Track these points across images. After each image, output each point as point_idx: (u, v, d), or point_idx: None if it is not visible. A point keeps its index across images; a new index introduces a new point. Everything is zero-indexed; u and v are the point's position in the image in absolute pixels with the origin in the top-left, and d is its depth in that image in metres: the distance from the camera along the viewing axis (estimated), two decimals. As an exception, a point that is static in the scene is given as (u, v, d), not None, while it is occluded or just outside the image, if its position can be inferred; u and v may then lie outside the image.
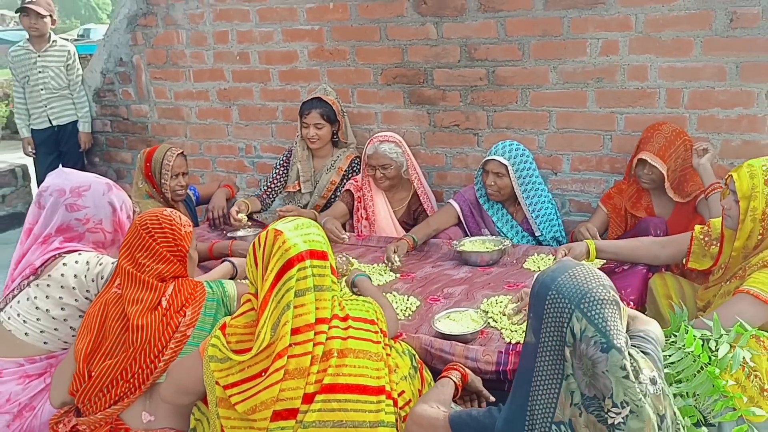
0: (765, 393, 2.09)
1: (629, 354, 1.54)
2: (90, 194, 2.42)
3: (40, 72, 4.71)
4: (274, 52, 4.14)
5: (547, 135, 3.57)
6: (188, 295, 2.12)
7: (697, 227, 2.58)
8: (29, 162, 5.21)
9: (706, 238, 2.54)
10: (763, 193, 2.24)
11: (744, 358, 1.97)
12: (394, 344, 2.16)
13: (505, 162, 3.20)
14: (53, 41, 4.76)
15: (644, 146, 3.13)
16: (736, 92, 3.14)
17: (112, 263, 2.33)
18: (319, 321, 1.79)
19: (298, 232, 1.81)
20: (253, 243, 1.82)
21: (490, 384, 2.16)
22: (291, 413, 1.73)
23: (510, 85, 3.57)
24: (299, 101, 4.07)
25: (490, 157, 3.24)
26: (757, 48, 3.05)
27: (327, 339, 1.78)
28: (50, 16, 4.72)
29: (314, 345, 1.76)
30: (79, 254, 2.35)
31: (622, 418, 1.44)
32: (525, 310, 2.31)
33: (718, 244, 2.48)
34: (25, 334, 2.27)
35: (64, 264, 2.31)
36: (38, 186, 4.87)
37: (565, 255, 2.65)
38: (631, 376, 1.44)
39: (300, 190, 3.82)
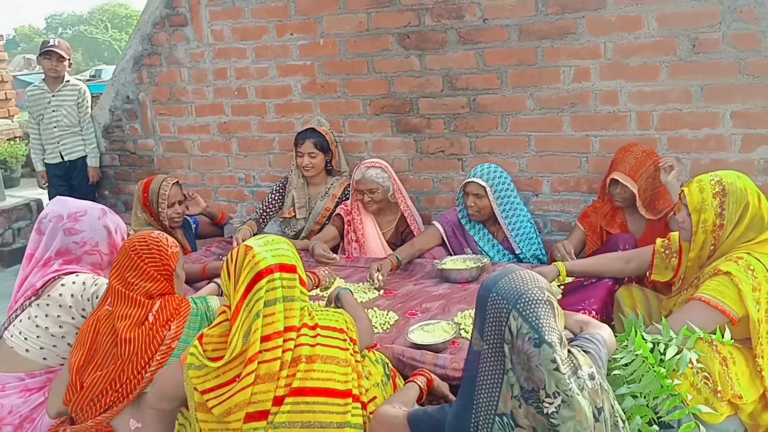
0: (719, 395, 2.21)
1: (568, 351, 1.68)
2: (86, 219, 2.62)
3: (53, 111, 4.99)
4: (269, 86, 4.37)
5: (527, 158, 3.73)
6: (173, 310, 2.29)
7: (659, 241, 2.72)
8: (44, 197, 5.46)
9: (667, 251, 2.67)
10: (712, 205, 2.38)
11: (691, 359, 2.09)
12: (368, 353, 2.30)
13: (484, 183, 3.36)
14: (66, 81, 5.05)
15: (616, 167, 3.27)
16: (702, 113, 3.29)
17: (107, 283, 2.50)
18: (288, 329, 1.92)
19: (267, 247, 1.97)
20: (226, 258, 1.98)
21: (457, 391, 2.28)
22: (262, 415, 1.86)
23: (490, 112, 3.75)
24: (294, 132, 4.27)
25: (469, 179, 3.41)
26: (719, 71, 3.20)
27: (295, 346, 1.92)
28: (68, 59, 5.02)
29: (283, 351, 1.89)
30: (77, 275, 2.54)
31: (555, 407, 1.56)
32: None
33: (677, 256, 2.62)
34: (26, 350, 2.45)
35: (62, 285, 2.49)
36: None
37: None
38: (561, 368, 1.57)
39: (295, 215, 4.00)
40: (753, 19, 3.09)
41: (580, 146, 3.60)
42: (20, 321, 2.48)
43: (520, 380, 1.62)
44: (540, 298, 1.65)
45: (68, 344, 2.47)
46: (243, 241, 3.53)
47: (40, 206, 5.78)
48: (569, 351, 1.69)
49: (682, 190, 2.49)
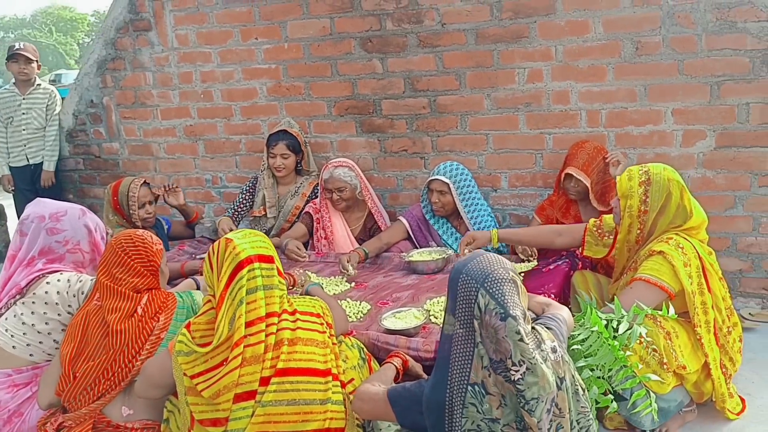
0: (665, 366, 2.44)
1: (533, 327, 1.87)
2: (67, 218, 2.71)
3: (24, 114, 5.00)
4: (235, 89, 4.48)
5: (485, 156, 3.94)
6: (161, 303, 2.41)
7: (591, 220, 3.00)
8: (6, 203, 5.44)
9: (599, 230, 2.94)
10: (637, 192, 2.65)
11: (640, 333, 2.31)
12: (345, 339, 2.46)
13: (447, 180, 3.55)
14: (37, 84, 5.07)
15: (570, 162, 3.50)
16: (646, 111, 3.53)
17: (91, 280, 2.60)
18: (270, 315, 2.06)
19: (246, 239, 2.11)
20: (208, 251, 2.11)
21: (430, 370, 2.44)
22: (250, 395, 2.00)
23: (450, 112, 3.95)
24: (260, 134, 4.42)
25: (433, 177, 3.59)
26: (660, 72, 3.45)
27: (278, 330, 2.06)
28: (36, 61, 5.03)
29: (266, 335, 2.03)
30: (61, 274, 2.63)
31: (521, 374, 1.75)
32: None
33: (612, 236, 2.88)
34: (13, 347, 2.53)
35: (47, 283, 2.58)
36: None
37: (470, 243, 3.11)
38: (525, 339, 1.75)
39: (266, 214, 4.12)
40: (690, 23, 3.35)
41: (535, 143, 3.82)
42: (6, 319, 2.56)
43: (489, 352, 1.80)
44: (505, 277, 1.83)
45: (54, 340, 2.56)
46: (227, 229, 3.71)
47: (1, 212, 5.73)
48: (533, 327, 1.88)
49: (617, 178, 2.75)
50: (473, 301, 1.82)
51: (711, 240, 3.43)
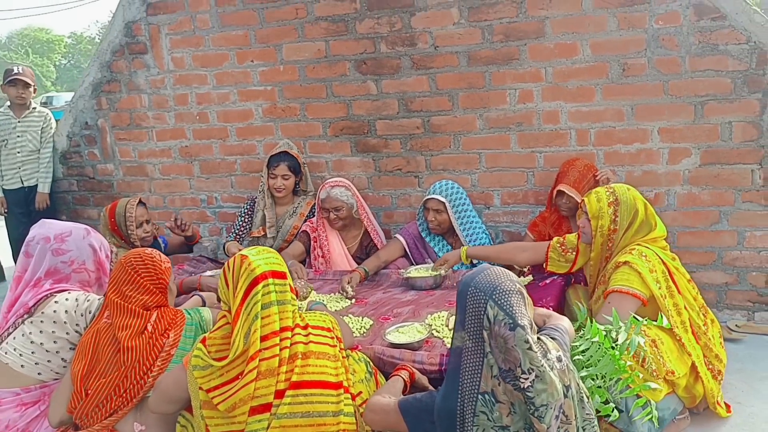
0: (655, 373, 2.53)
1: (539, 338, 1.95)
2: (72, 239, 2.75)
3: (19, 136, 5.03)
4: (231, 111, 4.55)
5: (478, 174, 4.04)
6: (170, 320, 2.46)
7: (555, 239, 3.15)
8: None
9: (562, 247, 3.10)
10: (607, 213, 2.81)
11: (639, 343, 2.40)
12: (351, 353, 2.52)
13: (443, 199, 3.64)
14: (33, 108, 5.11)
15: (562, 179, 3.61)
16: (633, 130, 3.66)
17: (98, 299, 2.64)
18: (283, 329, 2.12)
19: (260, 256, 2.17)
20: (224, 268, 2.17)
21: (435, 383, 2.51)
22: (265, 407, 2.05)
23: (443, 132, 4.05)
24: (256, 154, 4.48)
25: (429, 196, 3.68)
26: (646, 92, 3.59)
27: (291, 344, 2.12)
28: (33, 85, 5.07)
29: (281, 349, 2.09)
30: (69, 293, 2.66)
31: (530, 382, 1.82)
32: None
33: (575, 253, 3.03)
34: (21, 366, 2.55)
35: (55, 302, 2.62)
36: (10, 243, 5.11)
37: (442, 264, 3.39)
38: (533, 348, 1.83)
39: (265, 234, 4.17)
40: (674, 45, 3.50)
41: (527, 162, 3.93)
42: (14, 338, 2.58)
43: (498, 361, 1.87)
44: (512, 289, 1.91)
45: (62, 359, 2.59)
46: (236, 252, 3.75)
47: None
48: (539, 338, 1.96)
49: (583, 200, 2.89)
50: (482, 312, 1.89)
51: (697, 254, 3.63)
